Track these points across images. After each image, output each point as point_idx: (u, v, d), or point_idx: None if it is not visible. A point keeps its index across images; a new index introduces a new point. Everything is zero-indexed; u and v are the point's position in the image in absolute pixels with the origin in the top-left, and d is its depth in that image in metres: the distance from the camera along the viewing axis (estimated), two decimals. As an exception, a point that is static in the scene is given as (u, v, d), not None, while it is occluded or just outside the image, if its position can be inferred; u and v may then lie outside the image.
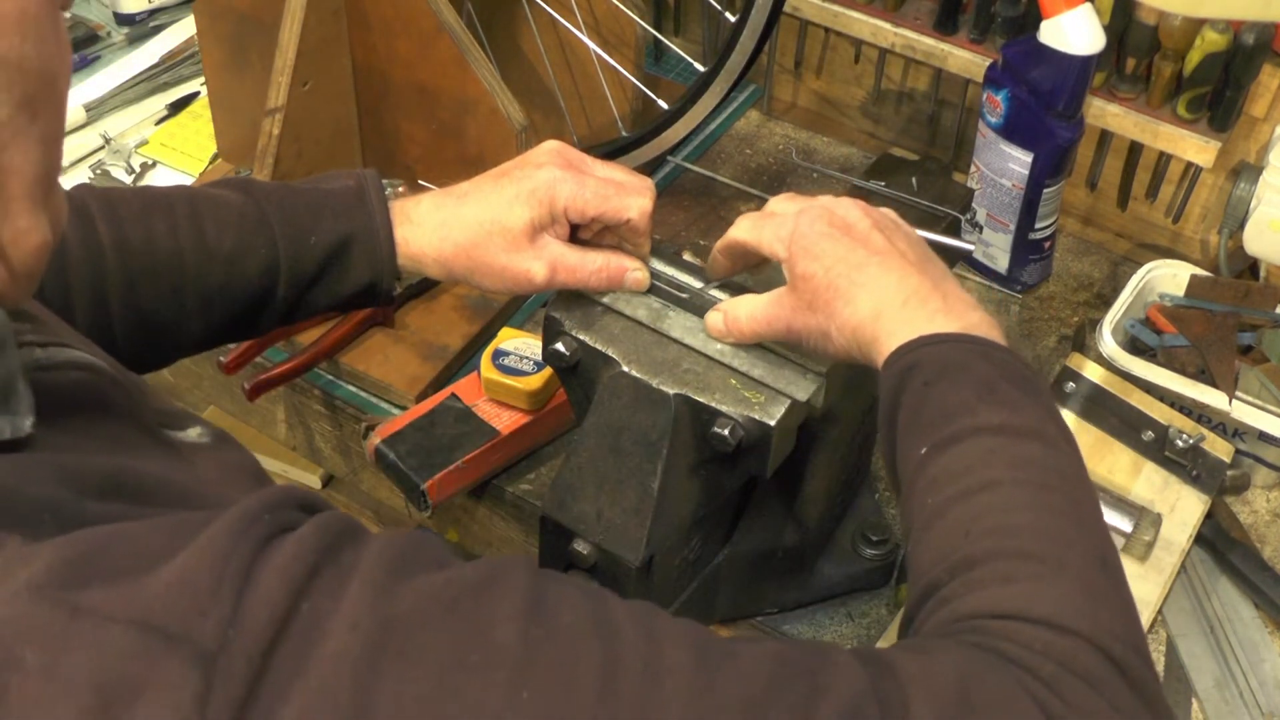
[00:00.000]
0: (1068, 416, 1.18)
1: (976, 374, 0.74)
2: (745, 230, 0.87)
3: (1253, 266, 1.33)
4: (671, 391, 0.88)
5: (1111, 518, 1.08)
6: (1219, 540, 1.12)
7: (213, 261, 0.91)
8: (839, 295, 0.81)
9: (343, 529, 0.54)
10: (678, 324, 0.92)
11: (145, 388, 0.70)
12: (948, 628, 0.62)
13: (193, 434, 0.69)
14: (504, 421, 1.15)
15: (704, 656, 0.55)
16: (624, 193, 0.91)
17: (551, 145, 0.94)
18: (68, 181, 1.05)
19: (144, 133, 1.53)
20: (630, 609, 0.57)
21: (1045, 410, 0.73)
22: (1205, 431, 1.16)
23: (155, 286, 0.90)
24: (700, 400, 0.87)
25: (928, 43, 1.39)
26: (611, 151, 1.32)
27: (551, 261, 0.91)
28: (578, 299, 0.94)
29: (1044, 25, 1.21)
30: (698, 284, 0.93)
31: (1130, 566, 1.08)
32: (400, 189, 0.97)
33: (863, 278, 0.80)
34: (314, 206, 0.93)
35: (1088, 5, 1.19)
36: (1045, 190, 1.29)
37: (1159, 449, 1.15)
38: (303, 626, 0.50)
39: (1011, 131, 1.27)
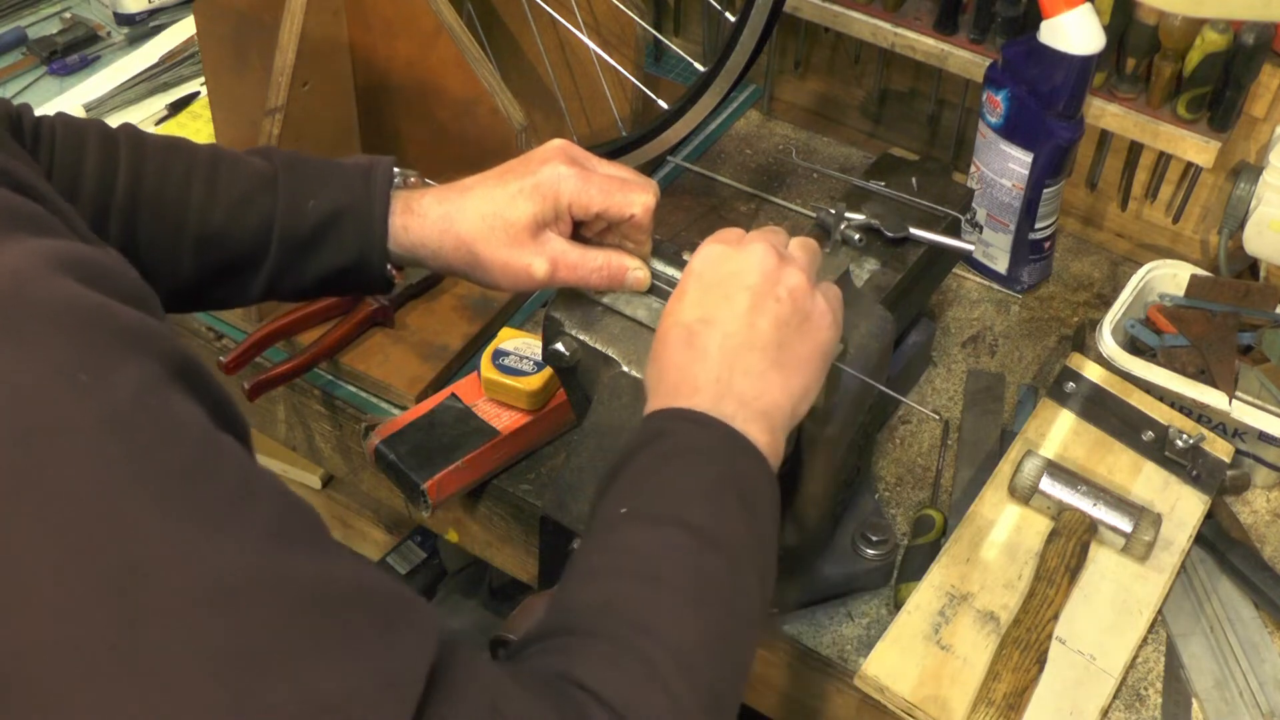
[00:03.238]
0: (1068, 416, 1.18)
1: (714, 471, 0.74)
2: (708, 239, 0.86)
3: (1253, 266, 1.33)
4: (671, 391, 0.87)
5: (1111, 518, 1.08)
6: (1219, 540, 1.12)
7: (217, 205, 0.93)
8: (662, 342, 0.80)
9: None
10: (678, 324, 0.92)
11: None
12: (551, 674, 0.63)
13: None
14: (504, 421, 1.15)
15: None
16: (628, 190, 0.91)
17: (557, 143, 0.94)
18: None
19: (144, 133, 1.53)
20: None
21: (755, 535, 0.73)
22: (1205, 431, 1.16)
23: (157, 217, 0.92)
24: (700, 400, 0.87)
25: (928, 43, 1.39)
26: (612, 152, 1.32)
27: (553, 258, 0.91)
28: (578, 299, 0.94)
29: (1044, 25, 1.21)
30: None
31: (1130, 566, 1.08)
32: (412, 179, 0.98)
33: (701, 339, 0.78)
34: (321, 174, 0.95)
35: (1088, 5, 1.19)
36: (1045, 190, 1.29)
37: (1159, 449, 1.15)
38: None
39: (1011, 131, 1.27)
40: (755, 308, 0.79)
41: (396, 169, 0.97)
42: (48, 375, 0.50)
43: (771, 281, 0.80)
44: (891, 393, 0.93)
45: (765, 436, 0.77)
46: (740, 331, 0.78)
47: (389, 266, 0.96)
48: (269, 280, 0.96)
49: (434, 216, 0.94)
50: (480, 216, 0.92)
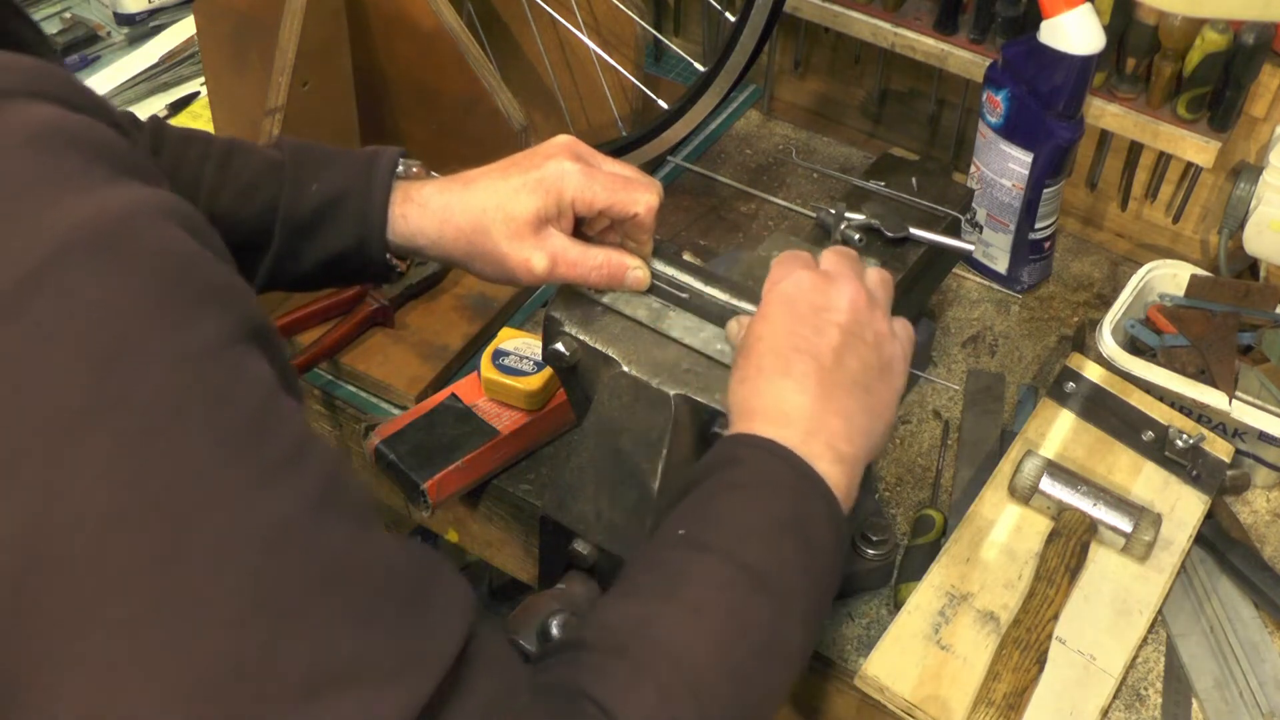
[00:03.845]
0: (1068, 417, 1.18)
1: (779, 509, 0.73)
2: (778, 259, 0.87)
3: (1253, 266, 1.33)
4: (671, 391, 0.88)
5: (1111, 518, 1.08)
6: (1219, 540, 1.12)
7: (225, 189, 0.94)
8: (755, 365, 0.80)
9: None
10: (678, 324, 0.92)
11: None
12: (569, 688, 0.63)
13: None
14: (504, 421, 1.15)
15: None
16: (632, 188, 0.90)
17: (563, 139, 0.94)
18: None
19: (144, 133, 1.53)
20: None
21: (808, 582, 0.73)
22: (1205, 431, 1.16)
23: None
24: (700, 400, 0.87)
25: (928, 43, 1.39)
26: (612, 152, 1.31)
27: (553, 254, 0.91)
28: (578, 299, 0.94)
29: (1044, 25, 1.21)
30: (698, 284, 0.93)
31: (1130, 566, 1.08)
32: (415, 169, 0.98)
33: (798, 369, 0.78)
34: (326, 159, 0.96)
35: (1088, 5, 1.19)
36: (1045, 190, 1.29)
37: (1159, 449, 1.15)
38: None
39: (1011, 131, 1.27)
40: (847, 347, 0.79)
41: (402, 160, 0.97)
42: (143, 308, 0.53)
43: (861, 323, 0.80)
44: (915, 372, 0.93)
45: (844, 481, 0.76)
46: (834, 369, 0.78)
47: (389, 255, 0.96)
48: (272, 265, 0.96)
49: (434, 206, 0.94)
50: (482, 209, 0.91)
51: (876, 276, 0.86)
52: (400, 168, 0.97)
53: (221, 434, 0.53)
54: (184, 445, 0.52)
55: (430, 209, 0.94)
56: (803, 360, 0.78)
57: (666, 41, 1.53)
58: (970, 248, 1.15)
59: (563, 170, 0.90)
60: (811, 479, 0.75)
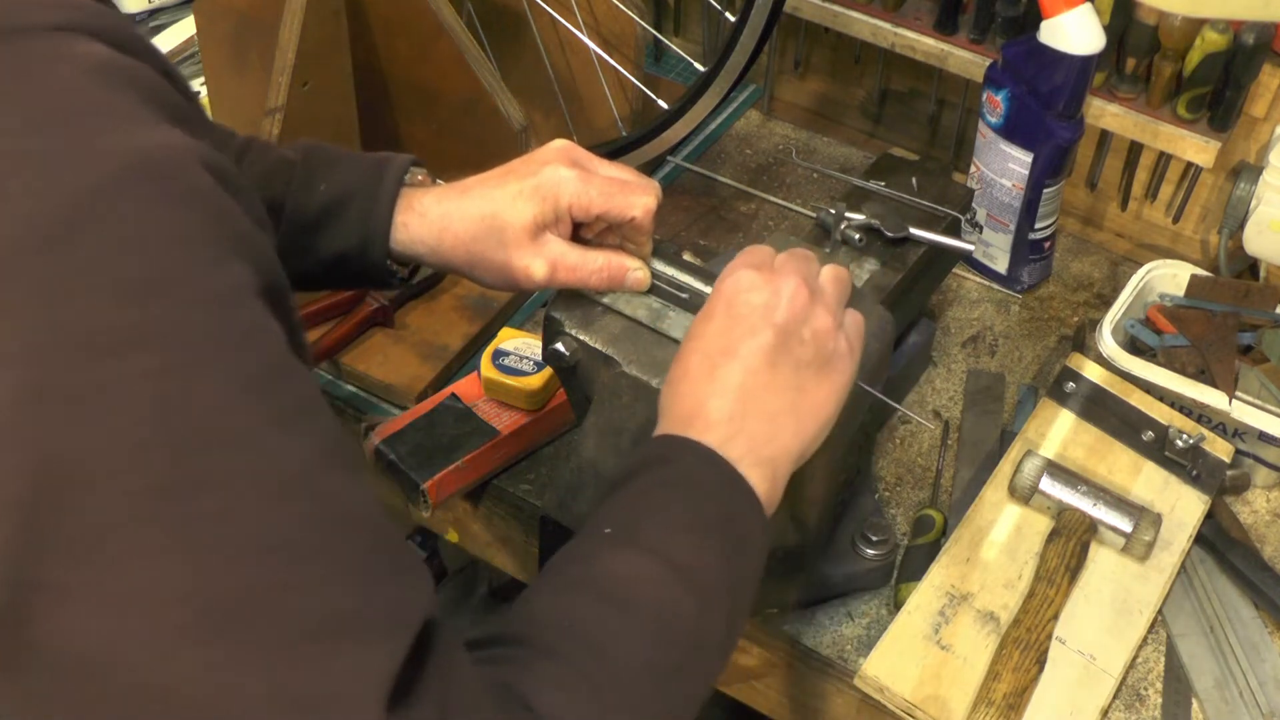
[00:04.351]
0: (1068, 417, 1.18)
1: (707, 509, 0.74)
2: (731, 259, 0.86)
3: (1253, 266, 1.33)
4: (671, 391, 0.87)
5: (1111, 518, 1.08)
6: (1219, 540, 1.12)
7: None
8: (683, 367, 0.80)
9: None
10: (678, 324, 0.92)
11: None
12: (502, 686, 0.63)
13: None
14: (504, 421, 1.16)
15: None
16: (629, 191, 0.90)
17: (559, 144, 0.94)
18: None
19: (144, 133, 1.53)
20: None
21: (733, 579, 0.73)
22: (1205, 431, 1.16)
23: None
24: (700, 400, 0.87)
25: (928, 43, 1.39)
26: (611, 152, 1.32)
27: (552, 260, 0.91)
28: (578, 299, 0.94)
29: (1044, 25, 1.21)
30: (698, 284, 0.93)
31: (1130, 566, 1.08)
32: (419, 176, 0.98)
33: (722, 371, 0.78)
34: (338, 161, 0.97)
35: (1088, 5, 1.19)
36: (1045, 190, 1.29)
37: (1159, 449, 1.15)
38: None
39: (1011, 131, 1.27)
40: (779, 347, 0.79)
41: (411, 167, 0.97)
42: (184, 244, 0.54)
43: (799, 320, 0.80)
44: (887, 400, 0.93)
45: (766, 484, 0.77)
46: (762, 370, 0.78)
47: (390, 262, 0.96)
48: None
49: (433, 215, 0.94)
50: (479, 217, 0.91)
51: (830, 273, 0.85)
52: (406, 175, 0.97)
53: (244, 377, 0.54)
54: (208, 382, 0.53)
55: (429, 218, 0.94)
56: (728, 363, 0.78)
57: (666, 41, 1.53)
58: (970, 248, 1.15)
59: (559, 176, 0.90)
60: (736, 481, 0.75)
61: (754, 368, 0.78)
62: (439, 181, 0.98)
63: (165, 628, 0.52)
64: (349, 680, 0.54)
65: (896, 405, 0.95)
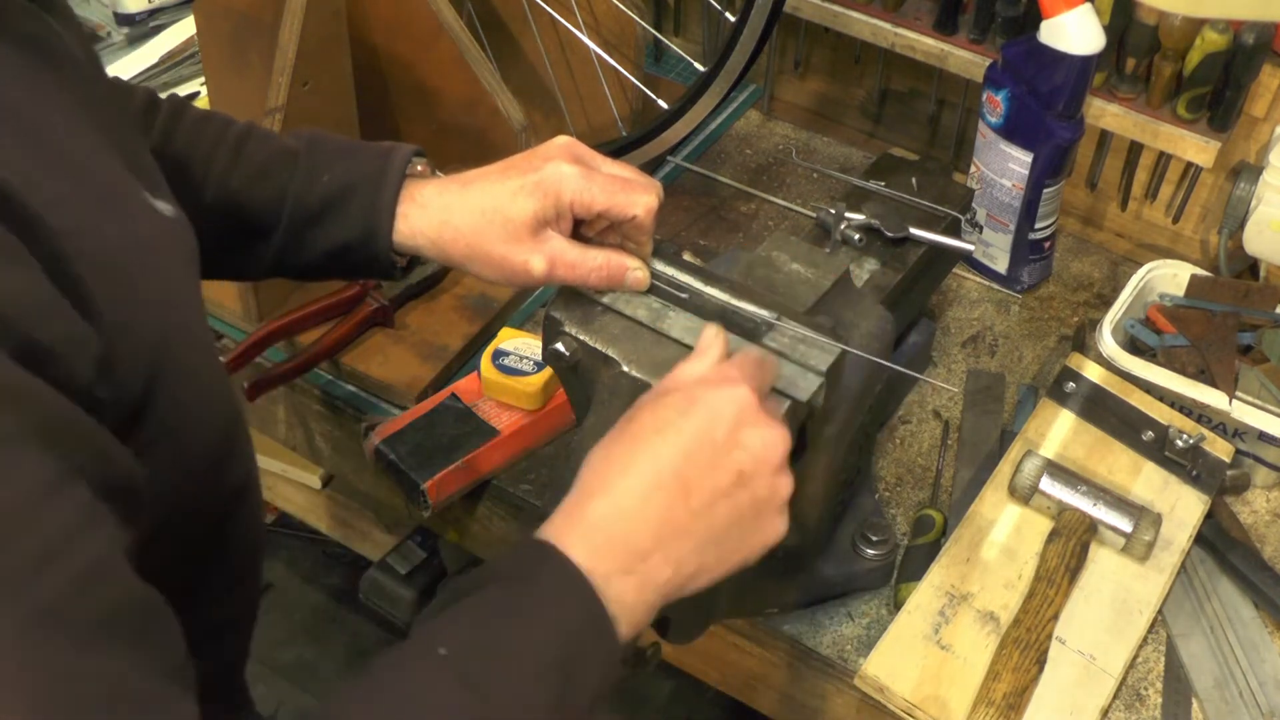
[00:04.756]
0: (1068, 417, 1.18)
1: (550, 651, 0.68)
2: (703, 339, 0.83)
3: (1253, 266, 1.33)
4: (671, 391, 0.87)
5: (1111, 518, 1.08)
6: (1219, 540, 1.12)
7: (236, 172, 0.95)
8: (627, 457, 0.76)
9: None
10: (678, 324, 0.92)
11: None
12: None
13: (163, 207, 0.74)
14: (504, 421, 1.16)
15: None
16: (631, 190, 0.90)
17: (562, 140, 0.93)
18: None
19: (144, 133, 1.53)
20: None
21: None
22: (1205, 431, 1.16)
23: (178, 178, 0.90)
24: (700, 400, 0.87)
25: (928, 43, 1.39)
26: (612, 152, 1.32)
27: (551, 256, 0.91)
28: (578, 299, 0.94)
29: (1044, 25, 1.21)
30: (698, 284, 0.93)
31: (1130, 566, 1.08)
32: (420, 167, 0.97)
33: (647, 490, 0.74)
34: (341, 150, 0.96)
35: (1088, 5, 1.19)
36: (1045, 190, 1.29)
37: (1159, 449, 1.15)
38: None
39: (1011, 131, 1.27)
40: (729, 495, 0.75)
41: (414, 157, 0.97)
42: None
43: (761, 476, 0.76)
44: (906, 370, 0.91)
45: (637, 618, 0.71)
46: (700, 515, 0.74)
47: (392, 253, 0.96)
48: (278, 252, 0.96)
49: (434, 208, 0.93)
50: (480, 211, 0.91)
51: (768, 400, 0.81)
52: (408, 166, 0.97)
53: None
54: None
55: (430, 210, 0.93)
56: (669, 492, 0.74)
57: (666, 41, 1.53)
58: (970, 248, 1.15)
59: (561, 173, 0.90)
60: (598, 625, 0.70)
61: (695, 509, 0.74)
62: (439, 173, 0.98)
63: None
64: None
65: (917, 375, 0.93)
